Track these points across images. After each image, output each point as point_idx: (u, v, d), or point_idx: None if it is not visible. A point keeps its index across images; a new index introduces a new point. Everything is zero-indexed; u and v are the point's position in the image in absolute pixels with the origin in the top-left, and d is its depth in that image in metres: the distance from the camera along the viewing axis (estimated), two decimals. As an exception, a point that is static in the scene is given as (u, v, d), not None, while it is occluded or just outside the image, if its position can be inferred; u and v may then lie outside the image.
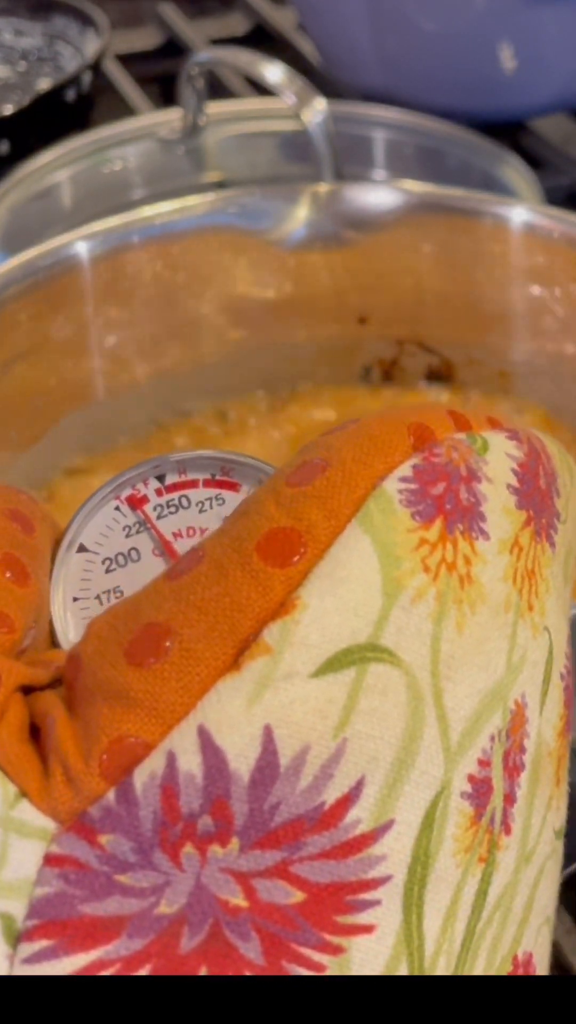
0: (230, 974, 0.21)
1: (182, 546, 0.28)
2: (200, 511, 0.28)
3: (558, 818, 0.27)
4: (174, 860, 0.21)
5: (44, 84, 0.82)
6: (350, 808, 0.22)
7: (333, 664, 0.22)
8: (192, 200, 0.52)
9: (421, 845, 0.23)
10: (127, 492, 0.28)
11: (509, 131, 0.78)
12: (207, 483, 0.28)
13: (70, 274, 0.50)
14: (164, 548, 0.28)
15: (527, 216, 0.50)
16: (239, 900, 0.21)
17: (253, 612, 0.22)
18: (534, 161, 0.73)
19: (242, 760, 0.21)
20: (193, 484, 0.28)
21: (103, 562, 0.27)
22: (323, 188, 0.52)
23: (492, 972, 0.25)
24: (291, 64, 0.60)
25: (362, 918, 0.22)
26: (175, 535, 0.28)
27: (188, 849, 0.21)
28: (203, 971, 0.21)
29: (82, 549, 0.27)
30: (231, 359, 0.54)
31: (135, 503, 0.28)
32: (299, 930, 0.22)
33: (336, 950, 0.22)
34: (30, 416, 0.50)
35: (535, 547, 0.26)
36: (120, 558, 0.27)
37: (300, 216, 0.52)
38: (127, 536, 0.27)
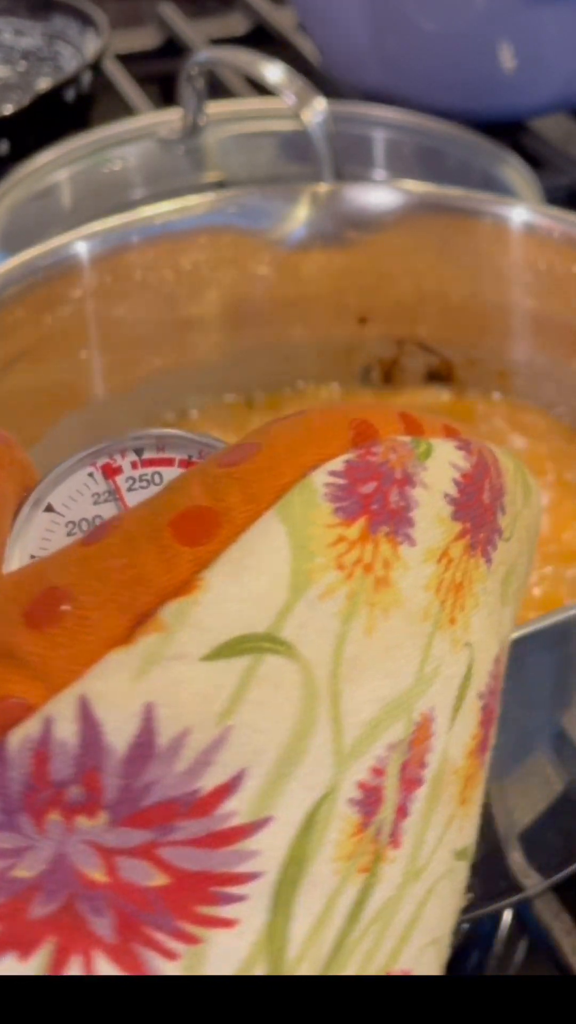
0: (76, 948, 0.21)
1: None
2: None
3: (460, 838, 0.26)
4: (38, 825, 0.21)
5: (44, 84, 0.82)
6: (227, 798, 0.21)
7: (226, 650, 0.22)
8: (192, 200, 0.52)
9: (298, 846, 0.22)
10: (103, 460, 0.27)
11: (509, 131, 0.78)
12: (183, 463, 0.28)
13: (70, 274, 0.50)
14: None
15: (527, 216, 0.50)
16: (99, 875, 0.21)
17: (155, 587, 0.22)
18: (534, 161, 0.72)
19: (118, 734, 0.21)
20: (169, 462, 0.28)
21: (66, 525, 0.27)
22: (323, 188, 0.52)
23: None
24: (291, 64, 0.60)
25: (225, 911, 0.21)
26: None
27: (54, 816, 0.21)
28: (49, 940, 0.21)
29: (49, 509, 0.27)
30: (231, 359, 0.54)
31: (109, 472, 0.27)
32: (156, 914, 0.21)
33: (192, 939, 0.21)
34: (30, 416, 0.50)
35: (467, 560, 0.25)
36: (84, 524, 0.27)
37: (300, 216, 0.52)
38: (95, 503, 0.27)
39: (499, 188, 0.65)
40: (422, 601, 0.24)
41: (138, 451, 0.28)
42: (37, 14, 0.88)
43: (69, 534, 0.27)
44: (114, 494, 0.27)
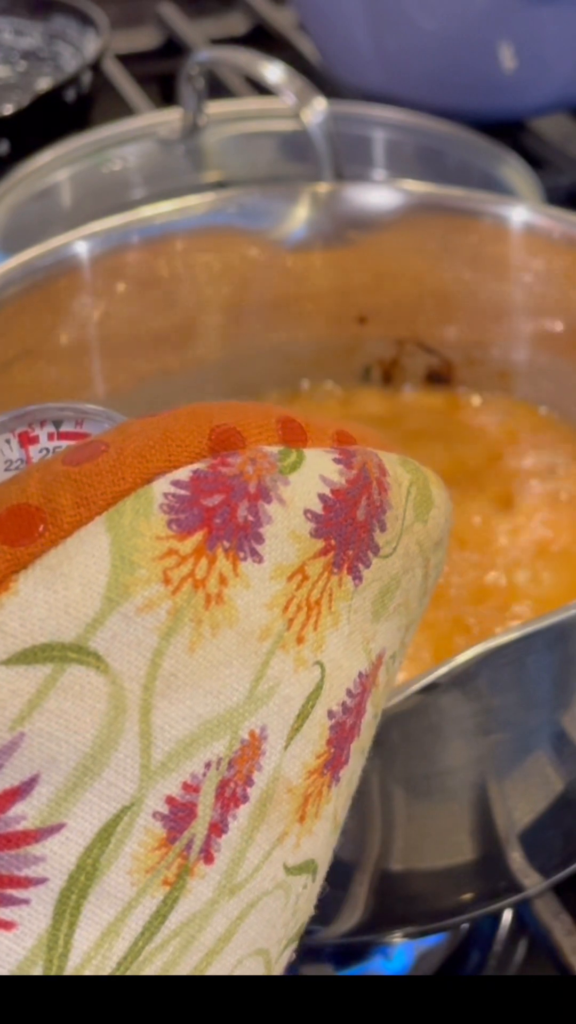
0: None
1: None
2: None
3: (297, 855, 0.26)
4: None
5: (44, 84, 0.82)
6: (16, 802, 0.21)
7: (27, 656, 0.21)
8: (192, 200, 0.52)
9: (91, 855, 0.22)
10: (21, 428, 0.27)
11: (509, 131, 0.78)
12: None
13: (70, 274, 0.50)
14: None
15: (527, 216, 0.50)
16: None
17: None
18: (534, 161, 0.72)
19: None
20: (84, 437, 0.27)
21: None
22: (323, 188, 0.52)
23: None
24: (291, 64, 0.60)
25: (3, 913, 0.21)
26: None
27: None
28: None
29: None
30: (231, 359, 0.54)
31: (25, 441, 0.27)
32: None
33: None
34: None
35: (328, 578, 0.24)
36: None
37: (300, 216, 0.52)
38: (5, 470, 0.27)
39: (499, 188, 0.65)
40: (261, 619, 0.23)
41: (56, 423, 0.27)
42: (37, 14, 0.88)
43: None
44: (26, 463, 0.27)
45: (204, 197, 0.52)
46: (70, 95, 0.78)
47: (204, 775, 0.23)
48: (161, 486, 0.22)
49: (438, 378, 0.54)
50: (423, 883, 0.39)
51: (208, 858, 0.24)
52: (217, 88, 0.81)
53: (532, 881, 0.40)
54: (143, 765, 0.22)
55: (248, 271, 0.53)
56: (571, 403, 0.52)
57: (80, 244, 0.50)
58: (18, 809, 0.21)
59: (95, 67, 0.80)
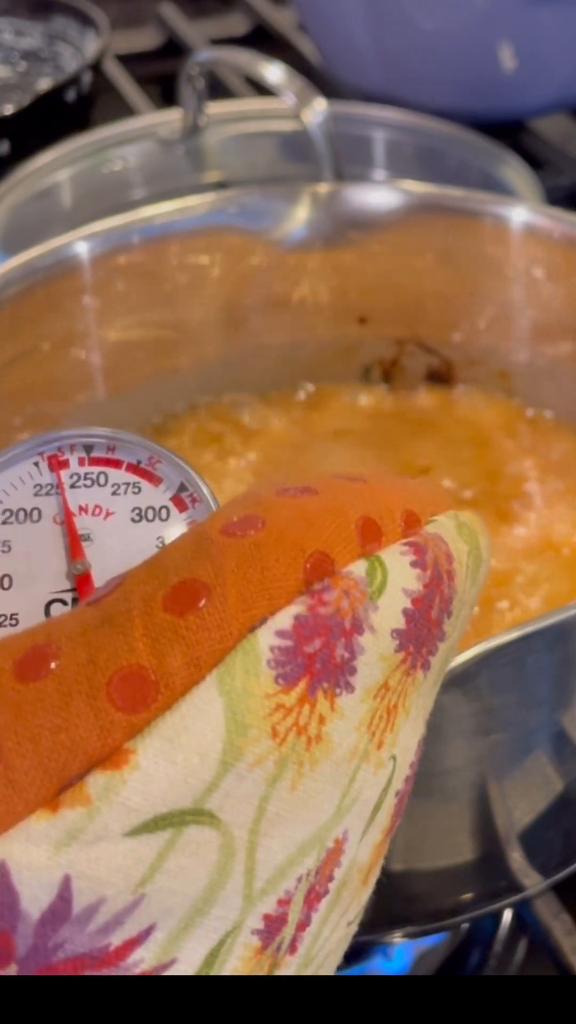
0: None
1: (83, 522, 0.27)
2: (113, 493, 0.27)
3: (354, 911, 0.26)
4: None
5: (44, 84, 0.82)
6: (135, 949, 0.22)
7: (150, 827, 0.22)
8: (192, 200, 0.52)
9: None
10: (51, 452, 0.27)
11: (509, 131, 0.78)
12: (130, 468, 0.28)
13: (70, 274, 0.50)
14: (65, 518, 0.27)
15: (527, 216, 0.50)
16: None
17: (86, 753, 0.22)
18: (534, 161, 0.72)
19: (34, 903, 0.21)
20: (117, 464, 0.27)
21: (3, 512, 0.27)
22: (323, 188, 0.52)
23: None
24: (291, 64, 0.60)
25: None
26: (81, 508, 0.27)
27: None
28: None
29: None
30: (231, 359, 0.54)
31: (55, 465, 0.27)
32: None
33: None
34: (30, 416, 0.50)
35: (406, 682, 0.25)
36: (21, 513, 0.27)
37: (300, 216, 0.52)
38: (35, 495, 0.27)
39: (499, 188, 0.65)
40: (351, 743, 0.24)
41: (87, 448, 0.28)
42: (37, 14, 0.88)
43: (4, 522, 0.27)
44: (56, 488, 0.27)
45: (204, 197, 0.52)
46: (70, 95, 0.78)
47: (296, 888, 0.24)
48: (266, 638, 0.23)
49: (438, 378, 0.54)
50: (423, 883, 0.39)
51: (293, 950, 0.25)
52: (217, 88, 0.81)
53: (532, 881, 0.40)
54: (246, 895, 0.23)
55: (248, 271, 0.53)
56: (571, 403, 0.52)
57: (80, 244, 0.50)
58: (137, 955, 0.22)
59: (95, 67, 0.80)
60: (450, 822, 0.37)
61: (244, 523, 0.24)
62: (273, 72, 0.58)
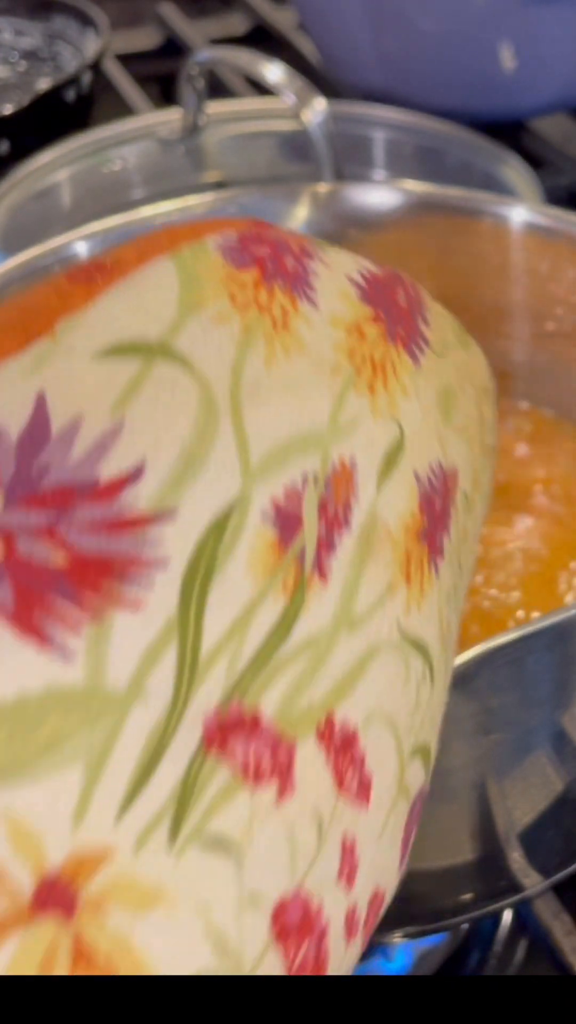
0: None
1: None
2: None
3: (407, 619, 0.26)
4: None
5: (44, 84, 0.82)
6: (127, 487, 0.22)
7: (118, 350, 0.23)
8: (192, 200, 0.52)
9: (207, 545, 0.23)
10: None
11: (509, 131, 0.78)
12: None
13: (70, 274, 0.50)
14: None
15: (527, 216, 0.50)
16: None
17: (49, 313, 0.23)
18: (534, 161, 0.72)
19: (11, 419, 0.22)
20: None
21: None
22: (323, 188, 0.52)
23: (289, 713, 0.23)
24: (291, 64, 0.60)
25: (129, 591, 0.22)
26: None
27: None
28: None
29: None
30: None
31: None
32: (57, 585, 0.21)
33: (96, 614, 0.21)
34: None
35: (386, 345, 0.26)
36: None
37: (300, 216, 0.52)
38: None
39: (499, 188, 0.65)
40: (329, 356, 0.25)
41: None
42: (37, 14, 0.88)
43: None
44: None
45: (204, 197, 0.52)
46: (70, 95, 0.78)
47: (303, 486, 0.24)
48: (212, 240, 0.25)
49: (438, 378, 0.55)
50: (423, 883, 0.39)
51: (322, 575, 0.24)
52: (217, 88, 0.81)
53: (532, 881, 0.40)
54: (243, 465, 0.23)
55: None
56: (571, 403, 0.52)
57: (80, 244, 0.50)
58: (130, 494, 0.22)
59: (95, 67, 0.80)
60: (450, 822, 0.37)
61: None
62: (273, 72, 0.58)
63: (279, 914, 0.22)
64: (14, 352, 0.22)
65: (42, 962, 0.20)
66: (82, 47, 0.84)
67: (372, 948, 0.43)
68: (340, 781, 0.23)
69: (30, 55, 0.86)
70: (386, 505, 0.26)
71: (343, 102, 0.71)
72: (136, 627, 0.22)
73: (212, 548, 0.23)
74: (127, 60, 0.91)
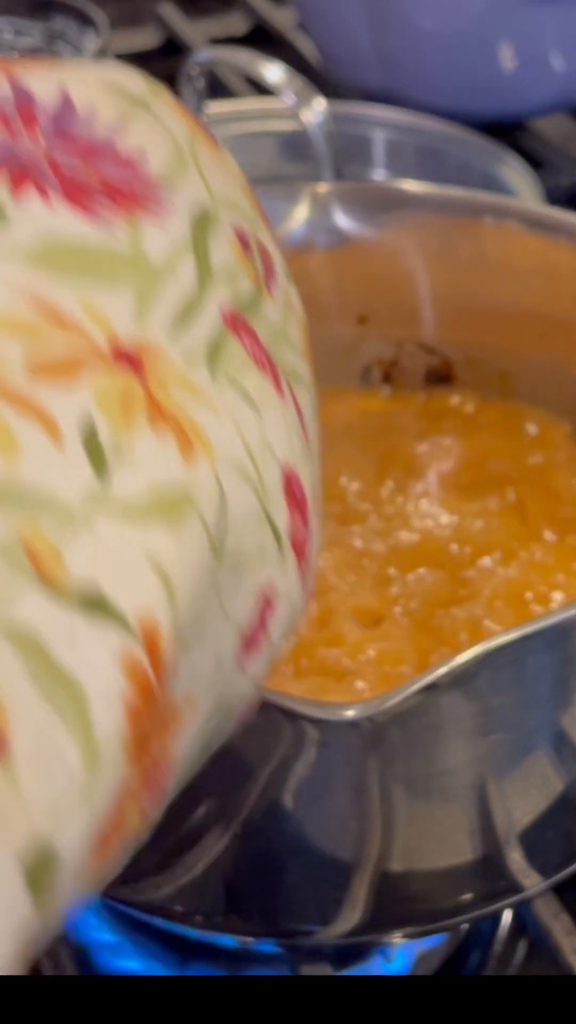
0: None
1: None
2: None
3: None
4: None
5: (44, 84, 0.82)
6: (139, 162, 0.26)
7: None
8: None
9: (203, 215, 0.27)
10: None
11: (509, 131, 0.78)
12: None
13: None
14: None
15: (527, 216, 0.50)
16: None
17: None
18: (534, 161, 0.72)
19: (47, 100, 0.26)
20: None
21: None
22: (323, 188, 0.52)
23: (272, 343, 0.28)
24: (291, 64, 0.60)
25: (154, 212, 0.26)
26: None
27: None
28: None
29: None
30: (231, 359, 0.54)
31: None
32: (95, 190, 0.25)
33: (130, 215, 0.25)
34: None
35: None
36: None
37: (300, 216, 0.52)
38: None
39: (499, 188, 0.65)
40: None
41: None
42: (37, 14, 0.88)
43: None
44: None
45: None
46: (70, 95, 0.78)
47: (248, 230, 0.29)
48: None
49: (438, 378, 0.54)
50: (423, 883, 0.39)
51: (269, 292, 0.30)
52: (217, 88, 0.81)
53: (532, 881, 0.40)
54: (209, 193, 0.28)
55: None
56: (571, 404, 0.52)
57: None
58: (141, 166, 0.27)
59: (95, 67, 0.80)
60: (450, 822, 0.37)
61: None
62: (273, 72, 0.58)
63: (287, 474, 0.26)
64: None
65: (122, 403, 0.23)
66: (82, 47, 0.84)
67: (372, 948, 0.43)
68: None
69: (30, 55, 0.86)
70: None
71: (343, 102, 0.71)
72: (161, 235, 0.26)
73: (205, 218, 0.27)
74: (127, 60, 0.91)
